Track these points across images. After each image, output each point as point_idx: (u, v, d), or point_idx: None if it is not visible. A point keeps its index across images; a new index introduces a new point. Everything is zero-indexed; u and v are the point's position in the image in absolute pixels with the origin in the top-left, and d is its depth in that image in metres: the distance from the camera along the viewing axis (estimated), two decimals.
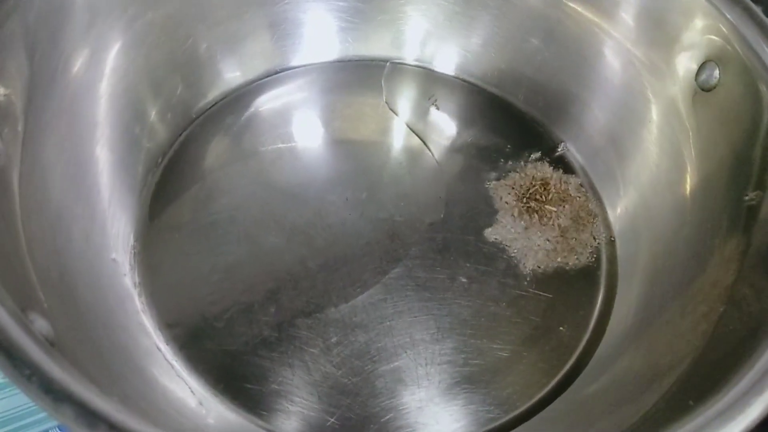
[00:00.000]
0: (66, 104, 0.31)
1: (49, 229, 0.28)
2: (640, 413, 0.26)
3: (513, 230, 0.37)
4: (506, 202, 0.38)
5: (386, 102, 0.42)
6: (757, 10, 0.30)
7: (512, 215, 0.38)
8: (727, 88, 0.32)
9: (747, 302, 0.26)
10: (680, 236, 0.33)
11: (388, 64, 0.44)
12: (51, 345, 0.20)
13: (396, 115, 0.41)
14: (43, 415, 0.32)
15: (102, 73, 0.33)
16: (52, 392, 0.18)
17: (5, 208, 0.25)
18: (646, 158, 0.37)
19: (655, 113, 0.36)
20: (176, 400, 0.29)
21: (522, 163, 0.40)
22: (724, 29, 0.31)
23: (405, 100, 0.43)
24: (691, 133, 0.33)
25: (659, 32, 0.34)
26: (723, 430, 0.20)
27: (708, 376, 0.24)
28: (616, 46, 0.37)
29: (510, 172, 0.40)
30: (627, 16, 0.36)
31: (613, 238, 0.38)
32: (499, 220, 0.38)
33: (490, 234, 0.37)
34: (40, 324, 0.21)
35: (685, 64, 0.34)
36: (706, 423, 0.20)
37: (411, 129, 0.41)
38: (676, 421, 0.21)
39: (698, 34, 0.32)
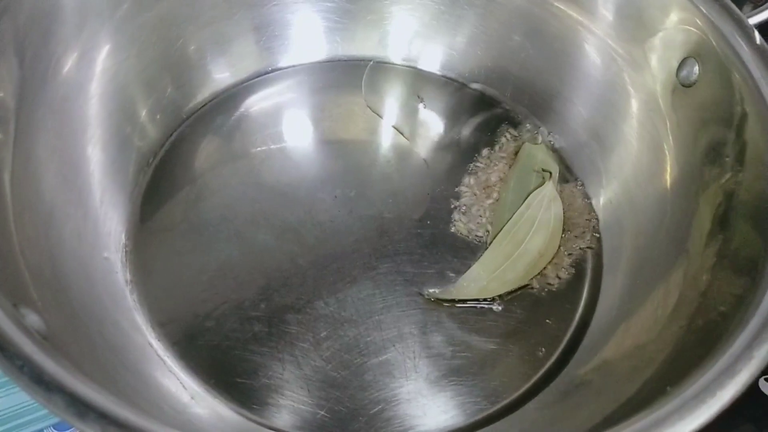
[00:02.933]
0: (57, 105, 0.31)
1: (41, 227, 0.28)
2: (622, 400, 0.26)
3: None
4: (494, 198, 0.39)
5: (366, 101, 0.42)
6: (733, 6, 0.31)
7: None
8: (707, 84, 0.32)
9: (723, 290, 0.27)
10: (662, 228, 0.33)
11: (370, 63, 0.44)
12: (43, 339, 0.21)
13: (375, 113, 0.42)
14: (39, 414, 0.32)
15: (92, 74, 0.34)
16: (43, 383, 0.18)
17: None
18: (628, 152, 0.37)
19: (636, 108, 0.36)
20: (168, 394, 0.30)
21: (508, 158, 0.41)
22: (699, 22, 0.31)
23: (392, 98, 0.43)
24: (670, 127, 0.34)
25: (638, 27, 0.35)
26: (696, 412, 0.20)
27: (686, 362, 0.24)
28: (597, 43, 0.38)
29: (496, 168, 0.40)
30: (607, 12, 0.37)
31: (598, 232, 0.38)
32: (486, 216, 0.38)
33: (478, 229, 0.38)
34: (32, 319, 0.22)
35: (666, 60, 0.34)
36: (681, 406, 0.21)
37: (396, 128, 0.42)
38: (653, 405, 0.21)
39: (675, 29, 0.33)
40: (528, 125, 0.42)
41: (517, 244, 0.36)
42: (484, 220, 0.38)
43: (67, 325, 0.26)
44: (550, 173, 0.39)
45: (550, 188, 0.38)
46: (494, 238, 0.37)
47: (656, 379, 0.26)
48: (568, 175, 0.40)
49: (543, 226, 0.36)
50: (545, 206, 0.37)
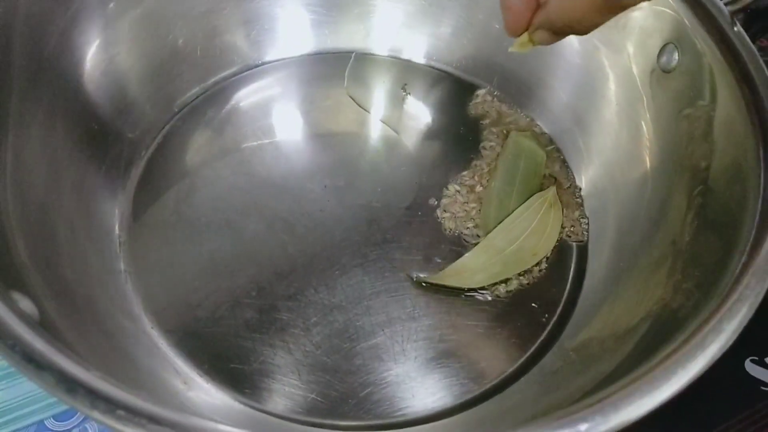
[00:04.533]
0: (48, 100, 0.32)
1: (35, 218, 0.29)
2: (602, 376, 0.27)
3: None
4: (481, 186, 0.40)
5: (349, 94, 0.43)
6: None
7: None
8: (686, 70, 0.33)
9: (698, 267, 0.27)
10: (642, 209, 0.34)
11: (353, 55, 0.45)
12: (36, 323, 0.21)
13: (360, 106, 0.43)
14: (40, 405, 0.33)
15: (83, 69, 0.34)
16: (33, 361, 0.19)
17: None
18: (609, 136, 0.38)
19: (616, 92, 0.37)
20: (162, 379, 0.30)
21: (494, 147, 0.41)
22: (673, 3, 0.32)
23: (377, 90, 0.44)
24: (650, 111, 0.35)
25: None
26: (667, 383, 0.21)
27: (663, 336, 0.25)
28: None
29: (484, 156, 0.41)
30: None
31: (584, 217, 0.39)
32: (472, 211, 0.39)
33: (465, 217, 0.38)
34: (25, 304, 0.23)
35: (646, 46, 0.35)
36: (653, 377, 0.21)
37: (383, 121, 0.42)
38: (627, 378, 0.22)
39: (652, 11, 0.33)
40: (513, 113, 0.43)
41: (510, 242, 0.36)
42: (471, 214, 0.38)
43: (61, 312, 0.26)
44: (555, 179, 0.40)
45: (552, 193, 0.38)
46: (487, 231, 0.37)
47: (635, 355, 0.27)
48: (551, 156, 0.41)
49: (540, 227, 0.37)
50: (545, 210, 0.38)
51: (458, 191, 0.39)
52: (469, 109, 0.43)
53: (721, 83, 0.30)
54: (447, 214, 0.38)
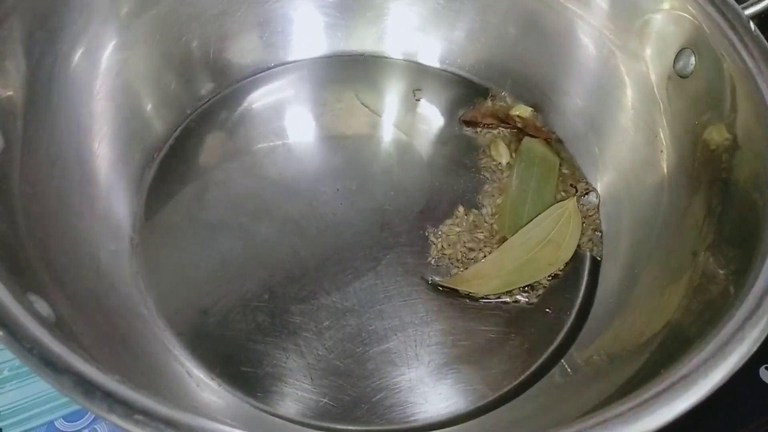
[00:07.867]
0: (63, 101, 0.32)
1: (49, 220, 0.29)
2: (618, 384, 0.27)
3: None
4: (496, 190, 0.39)
5: (356, 95, 0.43)
6: None
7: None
8: (703, 75, 0.33)
9: (717, 275, 0.27)
10: (658, 216, 0.34)
11: (361, 58, 0.45)
12: (52, 325, 0.21)
13: (371, 111, 0.43)
14: (50, 405, 0.33)
15: (98, 72, 0.34)
16: (51, 364, 0.19)
17: (6, 200, 0.26)
18: (625, 142, 0.38)
19: (632, 98, 0.37)
20: (174, 382, 0.30)
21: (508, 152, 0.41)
22: (692, 9, 0.32)
23: (392, 93, 0.44)
24: (666, 117, 0.34)
25: (633, 17, 0.36)
26: (688, 392, 0.21)
27: (681, 345, 0.25)
28: (593, 34, 0.38)
29: (496, 162, 0.41)
30: (602, 2, 0.37)
31: (598, 222, 0.39)
32: (486, 207, 0.39)
33: (478, 220, 0.38)
34: (41, 306, 0.23)
35: (662, 51, 0.35)
36: (673, 386, 0.21)
37: (395, 126, 0.42)
38: (646, 387, 0.22)
39: (670, 16, 0.33)
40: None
41: (528, 250, 0.36)
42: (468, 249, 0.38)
43: (75, 314, 0.26)
44: (576, 189, 0.39)
45: (572, 204, 0.38)
46: (503, 238, 0.37)
47: (652, 363, 0.26)
48: (565, 162, 0.41)
49: (558, 237, 0.37)
50: (564, 220, 0.37)
51: (465, 210, 0.39)
52: (481, 114, 0.43)
53: (741, 90, 0.29)
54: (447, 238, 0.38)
